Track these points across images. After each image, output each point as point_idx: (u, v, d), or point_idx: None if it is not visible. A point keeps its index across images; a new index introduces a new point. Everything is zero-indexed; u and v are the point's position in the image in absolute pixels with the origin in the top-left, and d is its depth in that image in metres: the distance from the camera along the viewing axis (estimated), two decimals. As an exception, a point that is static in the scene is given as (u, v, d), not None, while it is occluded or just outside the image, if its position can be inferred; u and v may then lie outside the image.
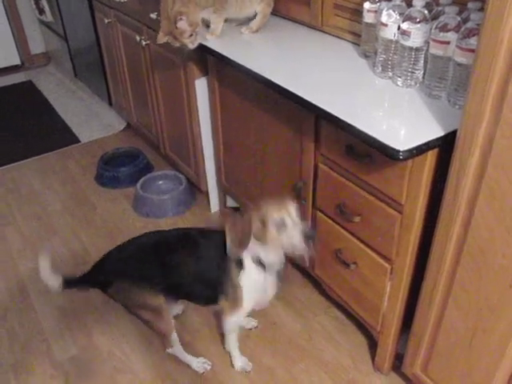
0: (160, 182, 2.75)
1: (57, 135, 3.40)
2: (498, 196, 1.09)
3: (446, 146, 1.22)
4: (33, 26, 4.36)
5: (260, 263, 1.53)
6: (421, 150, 1.20)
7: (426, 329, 1.47)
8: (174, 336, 1.75)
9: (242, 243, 1.46)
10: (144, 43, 2.51)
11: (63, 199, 2.75)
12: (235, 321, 1.67)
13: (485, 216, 1.14)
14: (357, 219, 1.53)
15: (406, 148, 1.19)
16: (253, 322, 1.95)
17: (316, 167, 1.66)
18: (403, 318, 1.60)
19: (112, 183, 2.82)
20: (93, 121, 3.57)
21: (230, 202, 2.46)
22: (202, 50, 1.93)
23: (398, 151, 1.19)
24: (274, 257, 1.52)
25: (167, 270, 1.60)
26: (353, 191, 1.52)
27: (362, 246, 1.58)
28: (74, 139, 3.33)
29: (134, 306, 1.67)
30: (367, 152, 1.39)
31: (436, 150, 1.25)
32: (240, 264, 1.54)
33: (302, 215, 1.82)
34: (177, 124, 2.54)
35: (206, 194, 2.57)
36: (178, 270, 1.61)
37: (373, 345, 1.82)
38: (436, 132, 1.24)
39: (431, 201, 1.34)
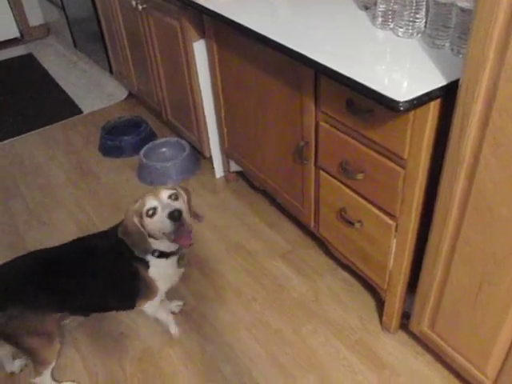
0: (163, 150, 2.72)
1: (59, 107, 3.37)
2: (503, 143, 1.05)
3: (449, 97, 1.18)
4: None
5: (161, 255, 1.52)
6: (422, 100, 1.16)
7: (432, 285, 1.45)
8: (53, 365, 1.59)
9: (142, 247, 1.45)
10: (140, 7, 2.45)
11: (67, 170, 2.74)
12: (153, 305, 1.65)
13: (489, 166, 1.10)
14: (360, 176, 1.50)
15: (406, 99, 1.14)
16: (179, 303, 1.91)
17: (317, 126, 1.62)
18: (409, 276, 1.58)
19: (115, 152, 2.80)
20: (95, 91, 3.54)
21: (234, 167, 2.43)
22: (197, 9, 1.88)
23: (398, 102, 1.14)
24: (169, 244, 1.50)
25: (69, 294, 1.52)
26: (355, 148, 1.48)
27: (366, 203, 1.55)
28: (76, 110, 3.31)
29: (24, 334, 1.47)
30: (368, 107, 1.34)
31: (438, 101, 1.20)
32: (145, 262, 1.52)
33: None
34: (177, 89, 2.50)
35: (210, 160, 2.55)
36: (83, 291, 1.53)
37: (380, 304, 1.81)
38: (438, 82, 1.19)
39: (435, 155, 1.29)
